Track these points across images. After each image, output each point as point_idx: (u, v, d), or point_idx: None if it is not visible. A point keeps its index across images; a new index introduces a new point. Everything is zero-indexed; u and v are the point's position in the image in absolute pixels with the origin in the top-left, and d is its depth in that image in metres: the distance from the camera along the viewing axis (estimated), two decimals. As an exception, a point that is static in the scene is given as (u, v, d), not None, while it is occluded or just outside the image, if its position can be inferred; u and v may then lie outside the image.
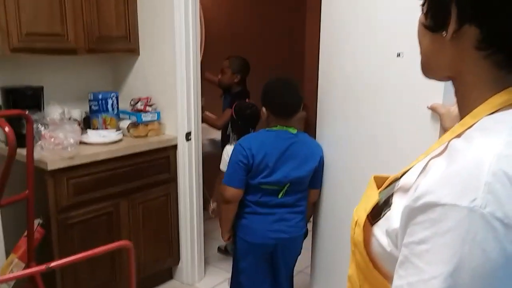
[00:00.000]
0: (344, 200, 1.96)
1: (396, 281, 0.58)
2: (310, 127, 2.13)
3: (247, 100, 3.00)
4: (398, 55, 1.57)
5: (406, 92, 1.59)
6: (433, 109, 1.28)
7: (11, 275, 1.11)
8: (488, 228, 0.51)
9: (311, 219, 2.20)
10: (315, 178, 2.04)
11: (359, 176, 1.74)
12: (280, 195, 1.97)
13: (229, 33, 3.85)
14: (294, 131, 1.99)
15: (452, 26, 0.62)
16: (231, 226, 2.08)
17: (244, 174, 1.94)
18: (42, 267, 1.14)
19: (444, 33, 0.64)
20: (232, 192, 1.96)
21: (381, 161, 1.72)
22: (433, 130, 1.48)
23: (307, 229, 2.16)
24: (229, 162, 2.00)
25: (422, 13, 0.68)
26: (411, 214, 0.58)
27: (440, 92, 1.41)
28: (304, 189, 2.04)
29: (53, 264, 1.15)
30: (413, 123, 1.58)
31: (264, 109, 2.01)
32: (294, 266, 2.21)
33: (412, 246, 0.56)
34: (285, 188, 1.97)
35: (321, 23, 1.98)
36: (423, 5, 0.68)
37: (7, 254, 2.27)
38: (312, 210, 2.15)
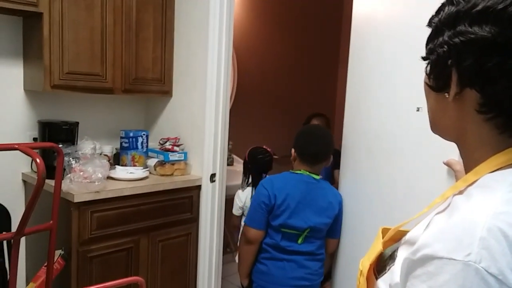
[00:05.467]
0: (363, 251, 1.92)
1: None
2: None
3: (264, 146, 2.95)
4: (418, 109, 1.59)
5: (424, 147, 1.60)
6: (448, 165, 1.27)
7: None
8: (482, 283, 0.51)
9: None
10: (334, 227, 2.03)
11: (377, 226, 1.71)
12: (299, 241, 1.96)
13: (260, 84, 3.96)
14: (317, 177, 2.01)
15: (453, 89, 0.64)
16: (249, 271, 2.06)
17: (265, 215, 1.96)
18: (55, 296, 1.17)
19: (446, 94, 0.65)
20: (254, 233, 1.97)
21: (400, 213, 1.70)
22: (449, 185, 1.47)
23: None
24: (251, 203, 2.04)
25: (425, 74, 0.70)
26: (410, 266, 0.59)
27: (456, 148, 1.41)
28: (323, 237, 2.03)
29: (65, 294, 1.18)
30: (430, 178, 1.57)
31: (293, 150, 2.06)
32: None
33: None
34: (305, 233, 1.95)
35: (348, 77, 2.04)
36: (426, 66, 0.70)
37: (27, 282, 2.32)
38: (330, 261, 2.12)
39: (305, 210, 1.95)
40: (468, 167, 0.68)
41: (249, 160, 2.64)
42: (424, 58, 0.70)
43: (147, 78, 2.67)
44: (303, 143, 2.03)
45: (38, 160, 1.48)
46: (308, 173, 2.00)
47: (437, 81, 0.67)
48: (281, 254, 1.97)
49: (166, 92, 2.80)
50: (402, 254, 0.68)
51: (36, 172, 2.46)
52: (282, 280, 1.97)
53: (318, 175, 2.02)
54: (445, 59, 0.64)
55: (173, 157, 2.64)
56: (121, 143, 2.68)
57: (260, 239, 1.99)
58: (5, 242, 2.11)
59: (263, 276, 2.01)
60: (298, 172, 2.02)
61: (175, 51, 2.78)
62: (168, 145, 2.69)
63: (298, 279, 1.97)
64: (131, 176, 2.45)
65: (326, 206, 1.98)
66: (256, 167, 2.59)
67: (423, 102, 1.59)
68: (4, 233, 1.99)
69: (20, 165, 2.49)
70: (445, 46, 0.64)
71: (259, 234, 1.98)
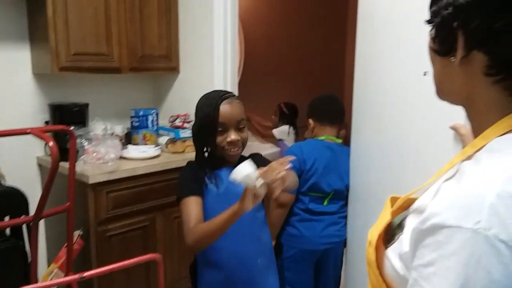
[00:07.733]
0: (372, 218, 1.92)
1: None
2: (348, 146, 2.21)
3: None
4: (425, 74, 1.56)
5: (431, 111, 1.57)
6: (454, 129, 1.26)
7: (47, 282, 1.16)
8: (492, 250, 0.51)
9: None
10: None
11: (387, 194, 1.71)
12: (325, 203, 2.06)
13: (267, 55, 3.91)
14: (339, 141, 2.11)
15: (460, 52, 0.62)
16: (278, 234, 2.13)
17: None
18: (76, 276, 1.20)
19: (452, 58, 0.64)
20: (286, 196, 2.02)
21: (408, 179, 1.69)
22: (457, 150, 1.45)
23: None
24: None
25: (430, 38, 0.68)
26: (420, 236, 0.58)
27: (463, 112, 1.38)
28: (344, 197, 2.11)
29: (86, 274, 1.20)
30: (437, 143, 1.55)
31: (310, 121, 2.13)
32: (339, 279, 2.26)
33: (420, 269, 0.57)
34: (330, 196, 2.05)
35: (357, 43, 2.00)
36: (431, 30, 0.68)
37: (49, 263, 2.37)
38: None
39: (330, 174, 2.03)
40: (476, 132, 0.66)
41: (286, 108, 3.69)
42: (428, 22, 0.68)
43: (154, 55, 2.65)
44: (320, 105, 2.13)
45: (51, 143, 1.49)
46: (331, 138, 2.09)
47: (442, 45, 0.66)
48: (310, 215, 2.06)
49: (174, 69, 2.78)
50: (411, 223, 0.68)
51: (50, 155, 2.49)
52: (314, 239, 2.06)
53: (339, 138, 2.11)
54: (450, 21, 0.62)
55: (184, 134, 2.64)
56: (131, 123, 2.68)
57: (291, 202, 2.05)
58: (24, 226, 2.15)
59: (295, 238, 2.08)
60: (322, 138, 2.09)
61: (180, 26, 2.75)
62: (178, 122, 2.69)
63: (329, 237, 2.07)
64: (143, 155, 2.46)
65: (348, 169, 2.05)
66: (292, 111, 3.75)
67: (430, 66, 1.55)
68: (23, 217, 2.02)
69: (35, 149, 2.51)
70: (450, 8, 0.62)
71: (291, 198, 2.03)
